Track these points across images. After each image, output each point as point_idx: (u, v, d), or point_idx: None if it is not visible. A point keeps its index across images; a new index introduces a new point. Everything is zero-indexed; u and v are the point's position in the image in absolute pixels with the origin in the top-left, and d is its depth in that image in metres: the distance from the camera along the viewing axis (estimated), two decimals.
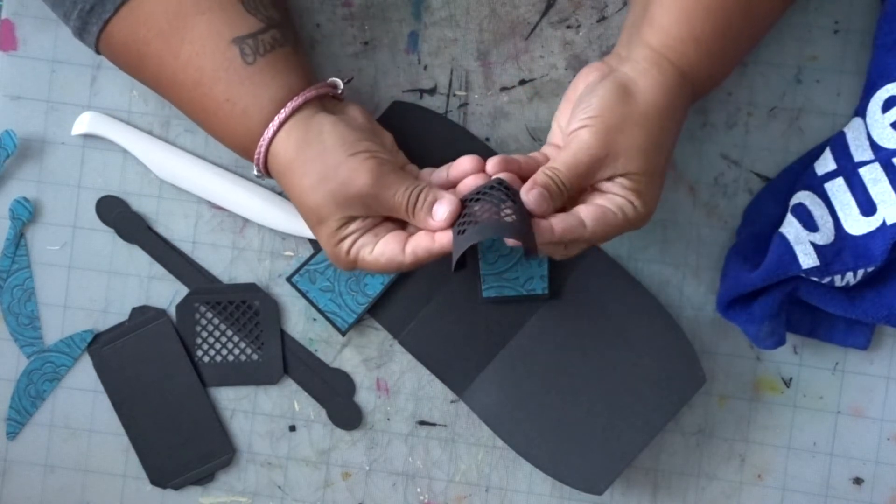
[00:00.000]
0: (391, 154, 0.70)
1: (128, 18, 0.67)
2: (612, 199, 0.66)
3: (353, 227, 0.67)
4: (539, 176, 0.65)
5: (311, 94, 0.68)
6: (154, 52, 0.67)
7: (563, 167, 0.65)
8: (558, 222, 0.64)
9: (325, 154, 0.66)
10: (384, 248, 0.66)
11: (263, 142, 0.67)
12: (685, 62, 0.67)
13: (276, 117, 0.67)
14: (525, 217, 0.64)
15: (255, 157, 0.68)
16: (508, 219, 0.63)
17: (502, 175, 0.66)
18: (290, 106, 0.67)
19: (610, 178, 0.66)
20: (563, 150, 0.66)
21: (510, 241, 0.66)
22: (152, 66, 0.68)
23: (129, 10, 0.67)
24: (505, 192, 0.65)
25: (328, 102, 0.70)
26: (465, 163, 0.68)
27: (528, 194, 0.64)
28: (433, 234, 0.66)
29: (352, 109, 0.70)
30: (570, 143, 0.66)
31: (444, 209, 0.66)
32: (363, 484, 0.80)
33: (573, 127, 0.66)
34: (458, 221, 0.65)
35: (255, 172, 0.69)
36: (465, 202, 0.66)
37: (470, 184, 0.67)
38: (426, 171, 0.71)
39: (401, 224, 0.69)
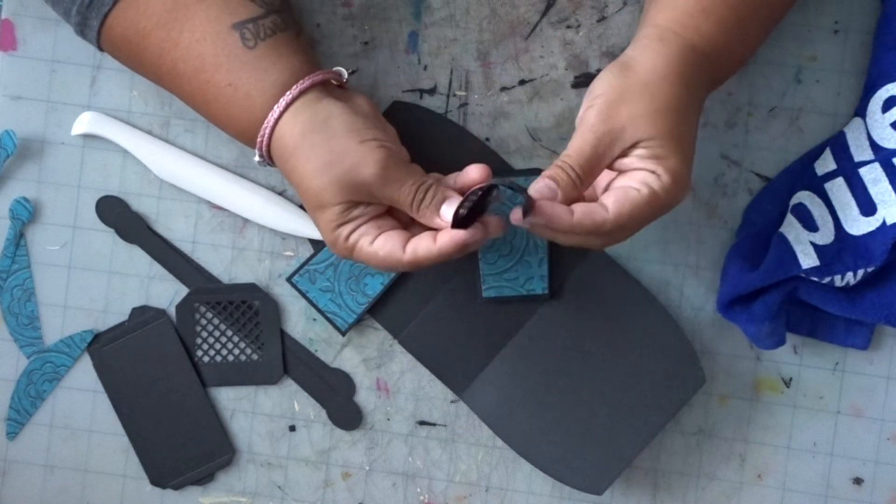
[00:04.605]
0: (398, 147, 0.70)
1: (127, 10, 0.67)
2: (633, 175, 0.64)
3: (355, 212, 0.66)
4: (548, 169, 0.64)
5: (319, 77, 0.67)
6: (154, 42, 0.67)
7: (571, 152, 0.64)
8: (578, 207, 0.63)
9: (332, 140, 0.65)
10: (384, 242, 0.66)
11: (267, 124, 0.66)
12: (695, 33, 0.66)
13: (282, 99, 0.66)
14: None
15: (259, 139, 0.67)
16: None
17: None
18: (297, 87, 0.66)
19: (624, 155, 0.64)
20: (572, 137, 0.65)
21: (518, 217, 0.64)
22: (153, 56, 0.68)
23: (128, 1, 0.67)
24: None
25: (333, 90, 0.70)
26: (473, 171, 0.68)
27: (534, 187, 0.63)
28: (434, 236, 0.65)
29: (359, 98, 0.70)
30: (577, 129, 0.65)
31: (452, 209, 0.65)
32: (363, 484, 0.80)
33: (579, 114, 0.66)
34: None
35: (257, 159, 0.69)
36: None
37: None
38: (433, 175, 0.70)
39: (404, 223, 0.69)
